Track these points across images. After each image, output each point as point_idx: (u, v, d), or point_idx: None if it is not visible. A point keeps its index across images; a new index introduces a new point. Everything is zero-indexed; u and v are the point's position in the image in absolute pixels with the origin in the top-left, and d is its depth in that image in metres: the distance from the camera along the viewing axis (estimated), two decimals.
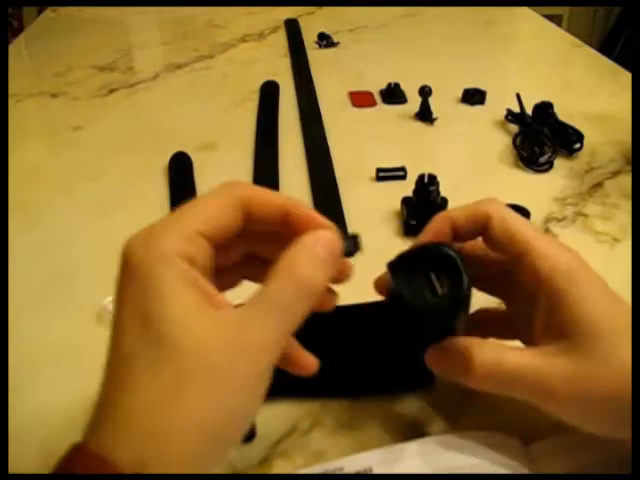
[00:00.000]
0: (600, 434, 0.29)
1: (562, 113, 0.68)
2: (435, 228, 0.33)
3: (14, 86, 0.81)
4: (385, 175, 0.61)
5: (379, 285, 0.34)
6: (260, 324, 0.25)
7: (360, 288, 0.46)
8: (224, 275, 0.30)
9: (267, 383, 0.25)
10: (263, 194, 0.29)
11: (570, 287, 0.29)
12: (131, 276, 0.25)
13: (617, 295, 0.30)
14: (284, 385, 0.38)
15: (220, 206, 0.28)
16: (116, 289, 0.26)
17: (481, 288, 0.35)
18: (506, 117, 0.71)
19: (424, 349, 0.33)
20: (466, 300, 0.30)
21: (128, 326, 0.24)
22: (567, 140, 0.65)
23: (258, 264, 0.30)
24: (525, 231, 0.31)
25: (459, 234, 0.33)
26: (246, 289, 0.28)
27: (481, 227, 0.32)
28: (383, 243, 0.52)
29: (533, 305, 0.31)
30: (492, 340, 0.32)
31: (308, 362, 0.30)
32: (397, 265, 0.31)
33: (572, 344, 0.29)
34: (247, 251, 0.31)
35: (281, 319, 0.25)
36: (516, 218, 0.32)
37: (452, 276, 0.30)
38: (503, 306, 0.36)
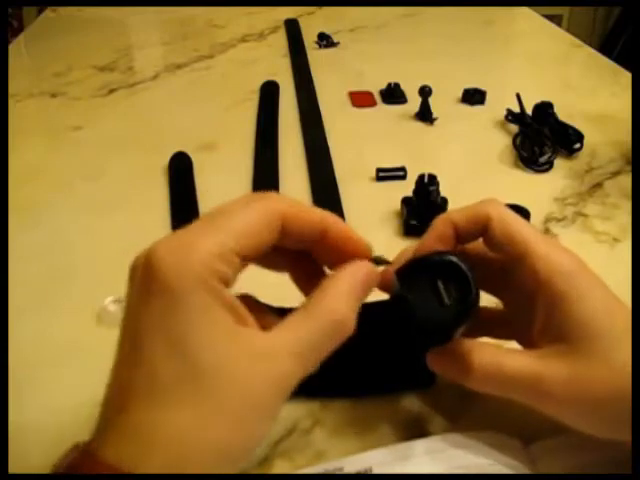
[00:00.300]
0: (599, 436, 0.29)
1: (562, 113, 0.68)
2: (438, 231, 0.33)
3: (14, 86, 0.81)
4: (385, 175, 0.61)
5: (384, 281, 0.33)
6: (298, 363, 0.25)
7: None
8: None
9: (276, 418, 0.26)
10: (300, 209, 0.28)
11: (570, 289, 0.29)
12: (159, 291, 0.24)
13: (616, 297, 0.30)
14: None
15: (256, 221, 0.26)
16: (137, 297, 0.25)
17: (480, 287, 0.35)
18: (506, 117, 0.71)
19: (425, 351, 0.33)
20: (472, 313, 0.30)
21: (155, 345, 0.23)
22: (567, 140, 0.65)
23: (297, 258, 0.30)
24: (525, 232, 0.31)
25: (461, 236, 0.33)
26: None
27: (481, 228, 0.32)
28: (383, 243, 0.52)
29: (532, 306, 0.31)
30: (492, 343, 0.33)
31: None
32: (405, 272, 0.31)
33: (570, 346, 0.29)
34: (287, 258, 0.31)
35: (315, 359, 0.26)
36: (516, 219, 0.32)
37: (460, 286, 0.30)
38: (501, 306, 0.36)
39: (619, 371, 0.28)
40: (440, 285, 0.30)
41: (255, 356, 0.24)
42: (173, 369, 0.23)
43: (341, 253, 0.29)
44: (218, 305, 0.24)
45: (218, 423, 0.23)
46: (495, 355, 0.30)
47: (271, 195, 0.28)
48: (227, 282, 0.25)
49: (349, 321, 0.26)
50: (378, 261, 0.31)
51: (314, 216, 0.28)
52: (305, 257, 0.31)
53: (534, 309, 0.31)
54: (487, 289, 0.35)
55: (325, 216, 0.29)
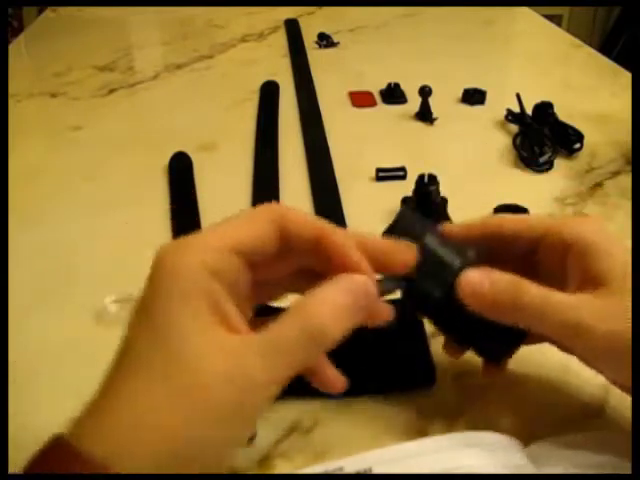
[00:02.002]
0: (625, 381, 0.30)
1: (562, 113, 0.68)
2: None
3: (14, 86, 0.81)
4: (385, 175, 0.61)
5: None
6: (261, 364, 0.25)
7: None
8: (269, 289, 0.31)
9: (250, 421, 0.26)
10: (299, 215, 0.29)
11: (599, 240, 0.31)
12: (159, 282, 0.26)
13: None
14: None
15: (255, 224, 0.28)
16: (145, 289, 0.26)
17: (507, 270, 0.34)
18: (506, 117, 0.71)
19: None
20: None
21: (142, 328, 0.26)
22: (567, 140, 0.65)
23: (308, 277, 0.30)
24: (540, 221, 0.34)
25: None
26: None
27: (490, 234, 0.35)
28: None
29: (562, 273, 0.32)
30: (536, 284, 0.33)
31: (335, 381, 0.30)
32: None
33: (605, 289, 0.30)
34: (295, 267, 0.31)
35: (283, 363, 0.25)
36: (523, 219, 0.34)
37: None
38: None
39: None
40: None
41: (220, 353, 0.25)
42: (146, 354, 0.25)
43: (336, 266, 0.29)
44: (203, 297, 0.25)
45: (172, 411, 0.24)
46: (540, 290, 0.31)
47: (272, 204, 0.29)
48: (220, 276, 0.26)
49: (330, 330, 0.26)
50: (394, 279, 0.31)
51: (312, 222, 0.29)
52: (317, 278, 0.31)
53: (565, 273, 0.32)
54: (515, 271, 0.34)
55: (324, 225, 0.29)
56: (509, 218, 0.35)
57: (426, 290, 0.33)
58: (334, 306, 0.26)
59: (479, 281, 0.31)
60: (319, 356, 0.28)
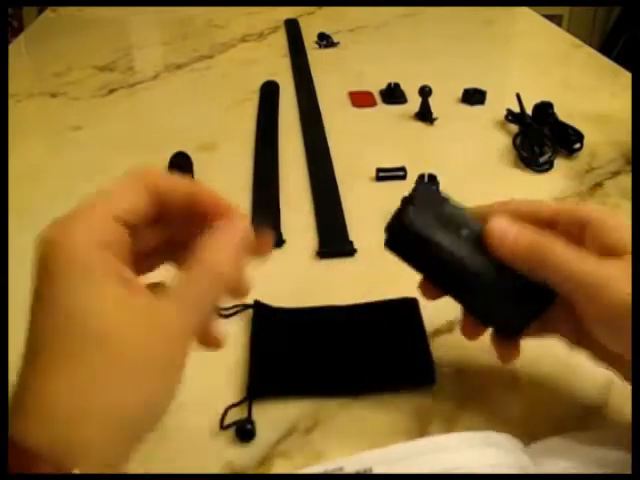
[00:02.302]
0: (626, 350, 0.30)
1: (562, 113, 0.68)
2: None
3: (14, 86, 0.81)
4: (385, 175, 0.61)
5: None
6: (175, 314, 0.26)
7: (360, 288, 0.46)
8: (144, 260, 0.31)
9: (181, 370, 0.27)
10: (169, 179, 0.30)
11: (610, 217, 0.32)
12: (54, 265, 0.25)
13: None
14: (284, 385, 0.39)
15: (129, 191, 0.29)
16: (35, 285, 0.26)
17: None
18: (506, 117, 0.71)
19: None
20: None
21: (49, 317, 0.25)
22: (567, 140, 0.65)
23: (178, 248, 0.31)
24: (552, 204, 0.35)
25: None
26: None
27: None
28: (383, 243, 0.52)
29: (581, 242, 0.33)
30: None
31: (220, 338, 0.32)
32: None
33: (619, 259, 0.31)
34: (167, 236, 0.32)
35: (195, 308, 0.27)
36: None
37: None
38: None
39: None
40: None
41: (136, 314, 0.26)
42: (63, 333, 0.25)
43: (212, 214, 0.30)
44: (103, 269, 0.26)
45: (106, 387, 0.24)
46: (568, 247, 0.32)
47: (142, 169, 0.30)
48: (111, 247, 0.27)
49: (229, 273, 0.28)
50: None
51: (182, 184, 0.30)
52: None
53: (584, 244, 0.32)
54: None
55: (192, 185, 0.30)
56: (524, 201, 0.35)
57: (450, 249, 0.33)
58: (228, 251, 0.28)
59: (507, 225, 0.33)
60: (217, 302, 0.29)
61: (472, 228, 0.33)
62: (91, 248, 0.26)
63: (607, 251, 0.31)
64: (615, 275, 0.30)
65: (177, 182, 0.30)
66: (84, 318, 0.25)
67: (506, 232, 0.33)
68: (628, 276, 0.30)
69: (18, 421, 0.24)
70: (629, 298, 0.29)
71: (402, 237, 0.34)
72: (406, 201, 0.34)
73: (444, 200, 0.34)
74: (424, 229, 0.33)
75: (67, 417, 0.24)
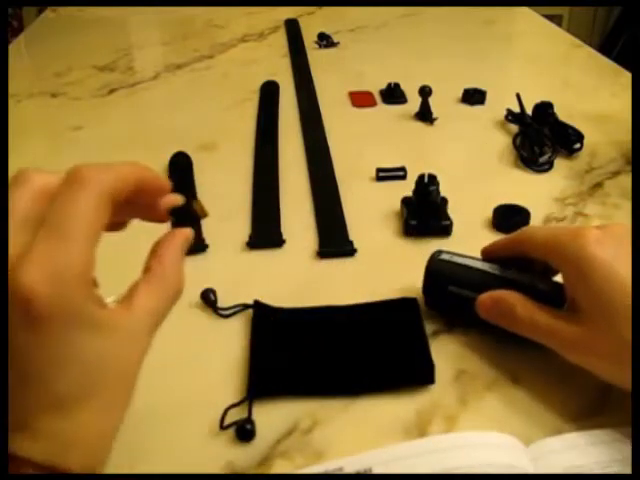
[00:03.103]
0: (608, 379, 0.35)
1: (562, 113, 0.68)
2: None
3: (14, 86, 0.81)
4: (385, 175, 0.61)
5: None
6: (148, 337, 0.29)
7: (360, 288, 0.46)
8: None
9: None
10: (118, 176, 0.30)
11: (592, 272, 0.35)
12: (41, 320, 0.24)
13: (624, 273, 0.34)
14: (284, 385, 0.39)
15: (94, 210, 0.28)
16: (18, 327, 0.24)
17: None
18: (506, 117, 0.71)
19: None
20: None
21: (44, 367, 0.26)
22: (567, 140, 0.65)
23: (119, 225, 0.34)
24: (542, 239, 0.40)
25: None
26: None
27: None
28: (383, 243, 0.52)
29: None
30: (529, 301, 0.38)
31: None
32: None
33: (584, 316, 0.35)
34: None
35: (159, 324, 0.29)
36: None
37: None
38: None
39: (619, 340, 0.33)
40: None
41: (123, 344, 0.27)
42: (66, 384, 0.26)
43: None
44: (93, 320, 0.26)
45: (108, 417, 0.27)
46: (530, 310, 0.38)
47: (91, 174, 0.31)
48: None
49: (183, 286, 0.31)
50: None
51: (127, 167, 0.31)
52: None
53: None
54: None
55: (135, 166, 0.31)
56: (525, 237, 0.41)
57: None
58: (181, 265, 0.31)
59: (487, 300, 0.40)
60: None
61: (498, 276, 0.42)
62: (86, 303, 0.26)
63: (574, 302, 0.36)
64: (573, 341, 0.36)
65: (126, 175, 0.30)
66: (82, 364, 0.26)
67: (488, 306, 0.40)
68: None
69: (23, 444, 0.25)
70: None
71: None
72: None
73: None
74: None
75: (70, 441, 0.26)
